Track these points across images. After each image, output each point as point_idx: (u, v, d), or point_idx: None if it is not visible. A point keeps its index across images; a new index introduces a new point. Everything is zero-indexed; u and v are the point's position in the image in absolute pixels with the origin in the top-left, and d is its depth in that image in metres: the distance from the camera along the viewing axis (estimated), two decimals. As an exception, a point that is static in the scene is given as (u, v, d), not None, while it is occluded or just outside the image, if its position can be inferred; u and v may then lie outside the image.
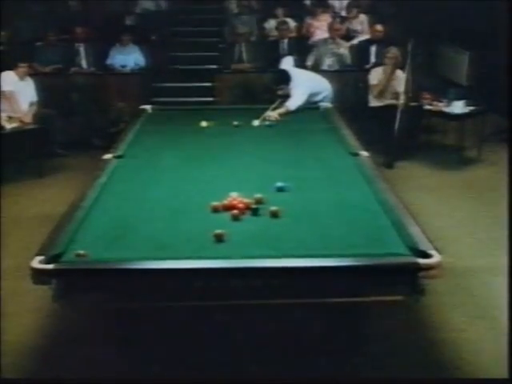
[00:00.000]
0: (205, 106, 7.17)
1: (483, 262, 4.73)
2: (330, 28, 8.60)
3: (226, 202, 3.44)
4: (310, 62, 8.46)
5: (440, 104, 7.37)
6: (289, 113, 5.92)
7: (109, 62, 8.65)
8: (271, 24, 9.25)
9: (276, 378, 3.28)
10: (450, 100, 7.30)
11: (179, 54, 9.32)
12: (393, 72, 7.35)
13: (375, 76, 7.45)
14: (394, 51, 7.37)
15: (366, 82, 7.58)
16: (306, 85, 6.27)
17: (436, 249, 2.89)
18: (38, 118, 7.17)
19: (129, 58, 8.65)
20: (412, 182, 6.43)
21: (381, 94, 7.40)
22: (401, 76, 7.34)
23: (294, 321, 3.38)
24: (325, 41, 8.56)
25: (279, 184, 3.74)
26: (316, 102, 6.29)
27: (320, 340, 3.48)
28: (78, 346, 3.69)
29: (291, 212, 3.38)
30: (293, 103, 6.02)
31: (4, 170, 6.52)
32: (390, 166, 6.95)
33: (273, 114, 5.72)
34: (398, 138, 7.09)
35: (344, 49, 8.51)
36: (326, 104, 6.22)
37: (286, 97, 6.13)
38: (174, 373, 3.34)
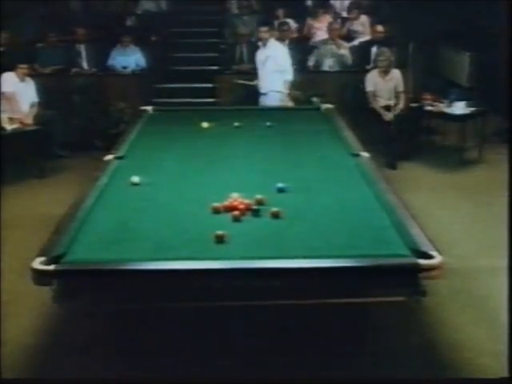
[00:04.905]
0: (206, 107, 7.16)
1: (485, 263, 4.73)
2: (328, 28, 8.59)
3: (226, 202, 3.44)
4: (310, 63, 8.48)
5: (441, 105, 7.38)
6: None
7: (110, 63, 8.66)
8: (272, 25, 9.24)
9: (276, 378, 3.28)
10: (451, 101, 7.31)
11: (180, 55, 9.33)
12: (388, 72, 7.36)
13: (370, 80, 7.45)
14: (386, 53, 7.38)
15: (364, 83, 7.58)
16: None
17: (437, 250, 2.89)
18: (38, 119, 7.17)
19: (130, 59, 8.65)
20: (413, 183, 6.42)
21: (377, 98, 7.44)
22: (397, 75, 7.35)
23: (294, 321, 3.38)
24: (325, 42, 8.56)
25: (280, 185, 3.73)
26: None
27: (321, 340, 3.48)
28: (77, 346, 3.69)
29: (292, 213, 3.38)
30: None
31: (5, 171, 6.52)
32: (393, 166, 6.95)
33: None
34: (396, 138, 7.11)
35: (345, 50, 8.52)
36: (327, 105, 6.22)
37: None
38: (173, 373, 3.34)
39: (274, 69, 7.08)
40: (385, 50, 7.45)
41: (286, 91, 7.12)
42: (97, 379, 3.32)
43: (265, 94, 7.24)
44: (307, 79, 7.84)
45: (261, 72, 7.26)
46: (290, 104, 7.09)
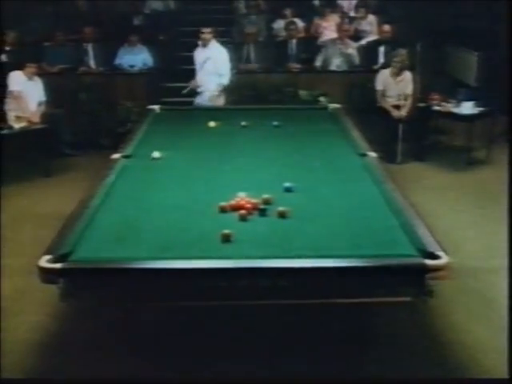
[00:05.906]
0: (212, 106, 7.16)
1: (490, 263, 4.71)
2: (339, 28, 8.60)
3: (233, 202, 3.44)
4: (318, 63, 8.48)
5: (449, 105, 7.35)
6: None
7: (117, 62, 8.67)
8: (279, 24, 9.24)
9: (278, 378, 3.27)
10: (459, 101, 7.28)
11: (187, 54, 9.31)
12: (400, 74, 7.35)
13: (381, 79, 7.44)
14: (402, 55, 7.35)
15: (374, 82, 7.57)
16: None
17: (444, 250, 2.88)
18: (46, 117, 7.19)
19: (137, 58, 8.66)
20: (420, 183, 6.41)
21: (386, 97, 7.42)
22: (408, 77, 7.35)
23: (299, 321, 3.37)
24: (333, 41, 8.55)
25: (287, 184, 3.73)
26: None
27: (324, 340, 3.48)
28: (78, 345, 3.69)
29: (299, 212, 3.37)
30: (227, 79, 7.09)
31: (12, 170, 6.53)
32: (392, 161, 6.95)
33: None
34: (402, 136, 7.11)
35: (352, 49, 8.50)
36: (334, 104, 6.22)
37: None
38: (174, 373, 3.33)
39: (212, 71, 7.12)
40: (402, 50, 7.42)
41: (218, 92, 7.18)
42: (97, 379, 3.31)
43: (200, 93, 7.28)
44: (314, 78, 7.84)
45: (199, 72, 7.27)
46: (221, 103, 7.16)
